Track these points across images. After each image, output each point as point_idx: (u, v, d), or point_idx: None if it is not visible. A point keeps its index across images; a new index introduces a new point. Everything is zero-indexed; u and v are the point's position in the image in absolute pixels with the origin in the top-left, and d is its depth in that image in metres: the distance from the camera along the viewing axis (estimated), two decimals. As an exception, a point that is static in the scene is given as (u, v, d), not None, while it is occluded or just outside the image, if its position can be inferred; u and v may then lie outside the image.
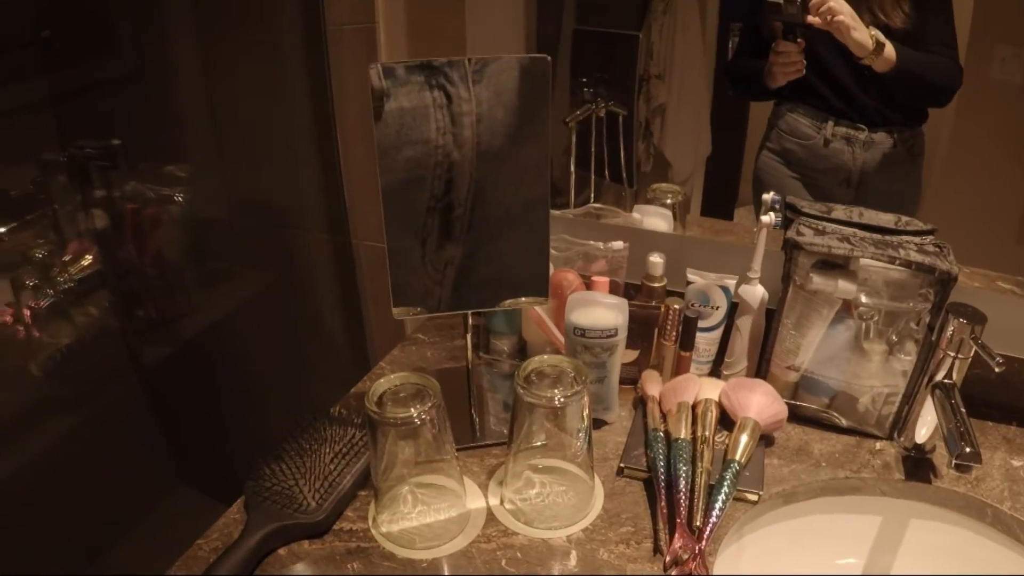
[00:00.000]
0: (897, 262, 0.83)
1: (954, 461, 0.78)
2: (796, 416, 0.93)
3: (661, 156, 1.10)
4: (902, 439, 0.91)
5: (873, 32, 0.91)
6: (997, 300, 0.97)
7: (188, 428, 0.91)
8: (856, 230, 0.88)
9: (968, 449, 0.76)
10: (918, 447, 0.90)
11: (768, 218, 0.84)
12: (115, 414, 0.83)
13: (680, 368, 0.91)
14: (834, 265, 0.85)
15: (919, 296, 0.85)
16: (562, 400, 0.72)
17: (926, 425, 0.90)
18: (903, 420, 0.90)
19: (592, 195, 1.08)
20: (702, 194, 1.04)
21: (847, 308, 0.86)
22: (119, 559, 0.73)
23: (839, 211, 0.88)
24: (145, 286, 1.06)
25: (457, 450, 0.84)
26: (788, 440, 0.91)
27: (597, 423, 0.90)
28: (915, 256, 0.84)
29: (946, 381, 0.85)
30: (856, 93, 0.97)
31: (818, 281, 0.84)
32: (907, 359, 0.88)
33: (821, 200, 0.90)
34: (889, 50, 0.91)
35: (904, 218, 0.90)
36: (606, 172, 1.06)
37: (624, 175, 1.06)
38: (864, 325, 0.86)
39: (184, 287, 1.09)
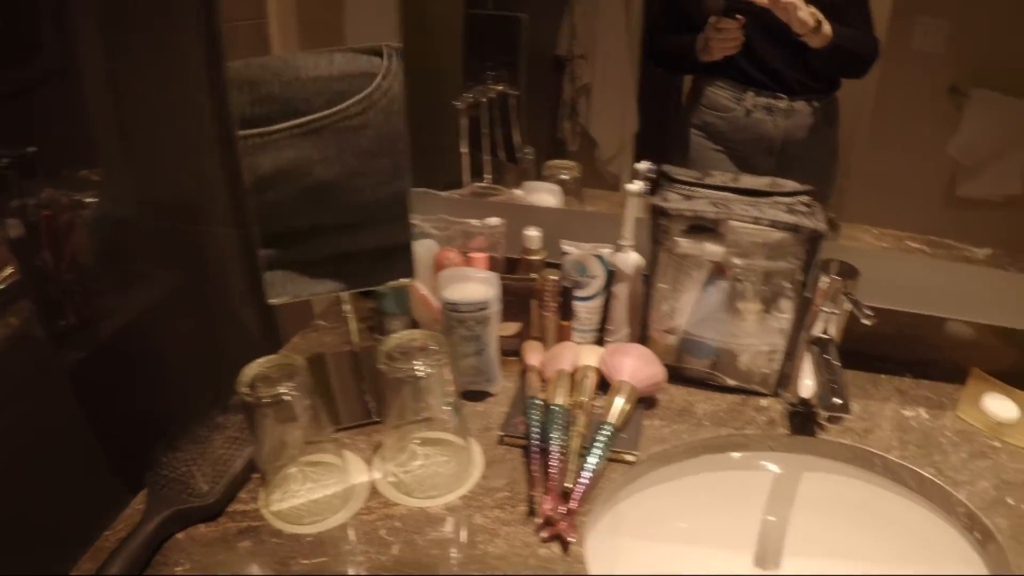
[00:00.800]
0: (762, 222, 0.85)
1: (824, 414, 0.80)
2: (681, 378, 0.95)
3: (587, 135, 1.11)
4: (788, 395, 0.92)
5: (812, 10, 0.94)
6: (902, 259, 1.00)
7: (114, 427, 0.94)
8: (728, 194, 0.89)
9: (837, 401, 0.78)
10: (804, 402, 0.92)
11: (634, 186, 0.86)
12: (40, 419, 0.86)
13: (562, 338, 0.94)
14: (704, 229, 0.87)
15: (790, 255, 0.86)
16: (423, 372, 0.75)
17: (811, 379, 0.91)
18: (786, 376, 0.92)
19: (487, 175, 1.10)
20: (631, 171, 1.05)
21: (720, 270, 0.88)
22: (44, 558, 0.76)
23: (715, 177, 0.90)
24: (64, 292, 1.08)
25: (349, 428, 0.88)
26: (672, 402, 0.93)
27: (481, 395, 0.93)
28: (782, 216, 0.86)
29: (823, 336, 0.86)
30: (780, 67, 1.00)
31: (685, 244, 0.86)
32: (784, 317, 0.90)
33: (746, 170, 0.92)
34: (826, 27, 0.95)
35: (780, 180, 0.91)
36: (500, 152, 1.09)
37: (514, 154, 1.09)
38: (737, 286, 0.88)
39: (101, 290, 1.11)
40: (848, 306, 0.84)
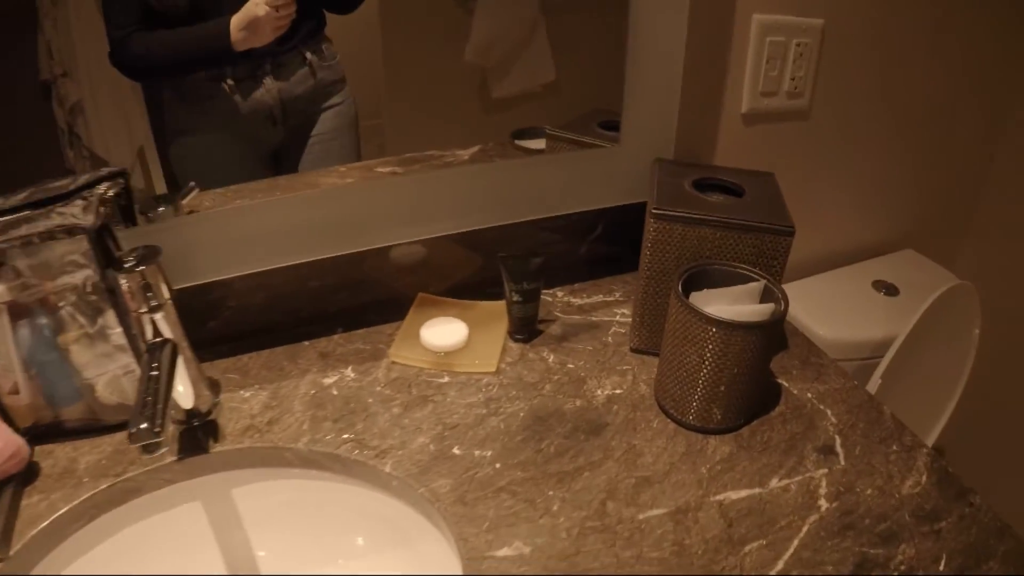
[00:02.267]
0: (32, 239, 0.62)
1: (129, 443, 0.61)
2: (64, 432, 0.74)
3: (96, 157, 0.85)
4: (172, 411, 0.73)
5: None
6: (356, 191, 0.86)
7: None
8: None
9: (143, 426, 0.58)
10: (195, 413, 0.75)
11: None
12: None
13: None
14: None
15: (72, 264, 0.65)
16: None
17: (183, 383, 0.74)
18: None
19: None
20: (164, 179, 0.84)
21: (42, 304, 0.66)
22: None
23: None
24: None
25: None
26: (55, 465, 0.72)
27: None
28: (60, 221, 0.63)
29: (156, 340, 0.66)
30: None
31: None
32: (115, 332, 0.69)
33: (260, 149, 0.82)
34: None
35: (96, 174, 0.69)
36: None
37: None
38: (60, 315, 0.66)
39: None
40: (167, 295, 0.66)
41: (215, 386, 0.80)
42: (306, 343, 0.86)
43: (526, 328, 0.87)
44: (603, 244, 0.98)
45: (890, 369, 1.09)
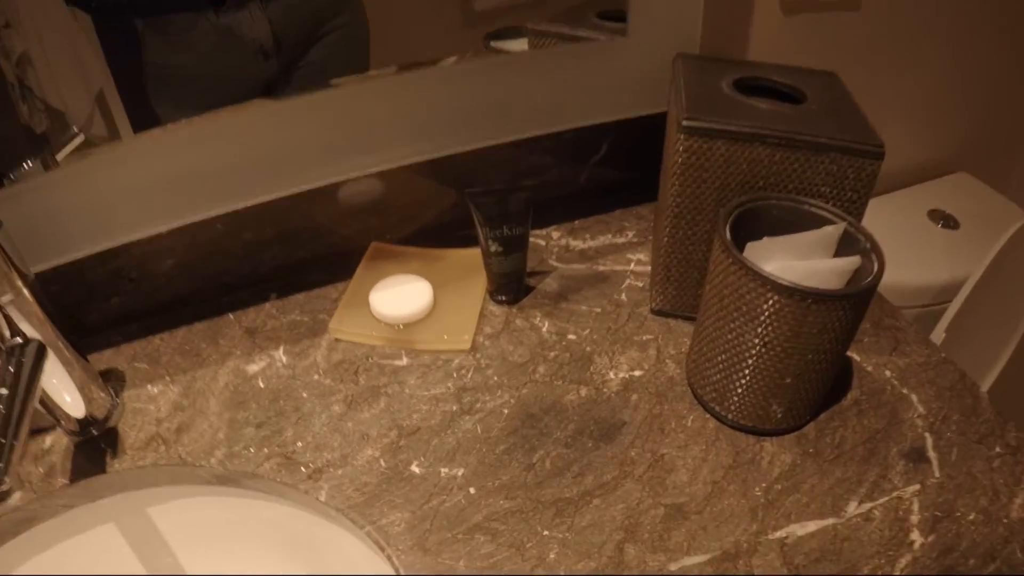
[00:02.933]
0: None
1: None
2: None
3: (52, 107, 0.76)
4: (64, 423, 0.54)
5: None
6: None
7: None
8: None
9: None
10: (90, 422, 0.57)
11: None
12: None
13: None
14: None
15: None
16: None
17: (67, 390, 0.55)
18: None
19: None
20: (127, 117, 0.71)
21: None
22: None
23: None
24: None
25: None
26: None
27: None
28: None
29: (15, 343, 0.49)
30: None
31: None
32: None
33: (251, 88, 0.64)
34: None
35: None
36: None
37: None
38: None
39: None
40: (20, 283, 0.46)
41: (118, 381, 0.61)
42: (231, 316, 0.65)
43: (511, 287, 0.66)
44: (608, 168, 0.76)
45: (955, 319, 0.89)
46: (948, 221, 1.05)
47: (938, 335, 0.89)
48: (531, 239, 0.65)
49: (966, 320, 0.93)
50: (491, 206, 0.61)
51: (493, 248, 0.62)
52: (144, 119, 0.64)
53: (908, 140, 1.09)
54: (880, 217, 1.04)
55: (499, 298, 0.66)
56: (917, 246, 1.00)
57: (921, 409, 0.56)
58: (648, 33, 0.69)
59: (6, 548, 0.55)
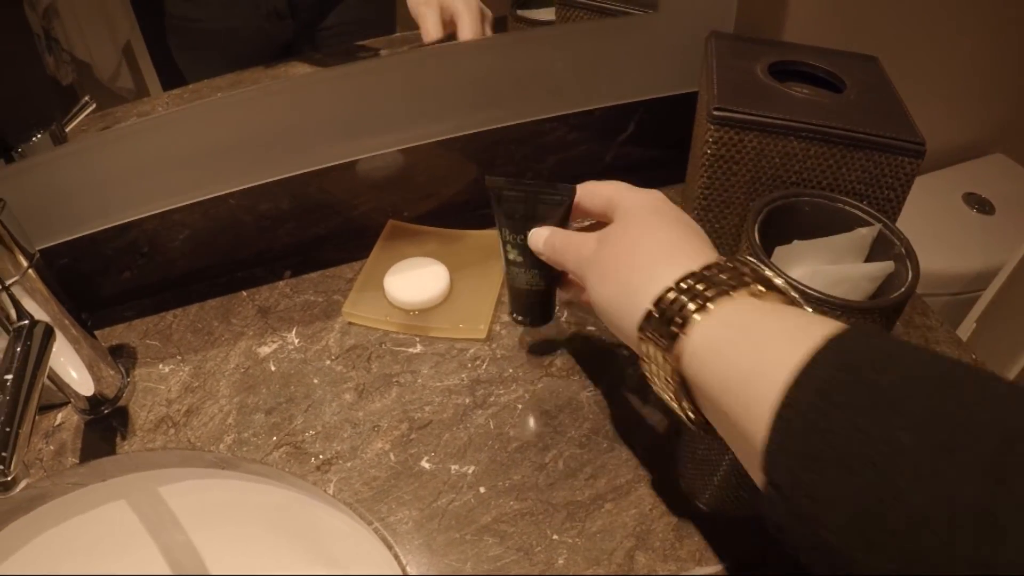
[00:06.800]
0: None
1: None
2: None
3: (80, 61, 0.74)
4: (75, 401, 0.55)
5: None
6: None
7: None
8: None
9: None
10: (99, 400, 0.56)
11: None
12: None
13: None
14: None
15: None
16: None
17: (75, 368, 0.54)
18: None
19: None
20: (156, 73, 0.70)
21: None
22: None
23: None
24: None
25: None
26: None
27: None
28: None
29: (22, 324, 0.48)
30: None
31: None
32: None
33: (268, 51, 0.62)
34: None
35: None
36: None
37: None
38: None
39: None
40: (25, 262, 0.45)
41: (130, 358, 0.61)
42: (243, 293, 0.64)
43: (531, 306, 0.52)
44: (636, 147, 0.73)
45: (987, 310, 0.86)
46: (983, 206, 1.01)
47: (968, 325, 0.87)
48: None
49: (998, 311, 0.90)
50: (515, 203, 0.47)
51: (512, 256, 0.49)
52: (171, 74, 0.62)
53: (944, 119, 1.05)
54: (912, 200, 1.00)
55: (516, 317, 0.54)
56: (950, 231, 0.97)
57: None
58: (680, 7, 0.65)
59: (20, 523, 0.55)
